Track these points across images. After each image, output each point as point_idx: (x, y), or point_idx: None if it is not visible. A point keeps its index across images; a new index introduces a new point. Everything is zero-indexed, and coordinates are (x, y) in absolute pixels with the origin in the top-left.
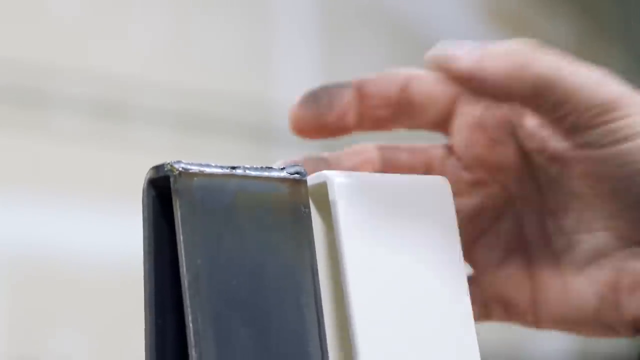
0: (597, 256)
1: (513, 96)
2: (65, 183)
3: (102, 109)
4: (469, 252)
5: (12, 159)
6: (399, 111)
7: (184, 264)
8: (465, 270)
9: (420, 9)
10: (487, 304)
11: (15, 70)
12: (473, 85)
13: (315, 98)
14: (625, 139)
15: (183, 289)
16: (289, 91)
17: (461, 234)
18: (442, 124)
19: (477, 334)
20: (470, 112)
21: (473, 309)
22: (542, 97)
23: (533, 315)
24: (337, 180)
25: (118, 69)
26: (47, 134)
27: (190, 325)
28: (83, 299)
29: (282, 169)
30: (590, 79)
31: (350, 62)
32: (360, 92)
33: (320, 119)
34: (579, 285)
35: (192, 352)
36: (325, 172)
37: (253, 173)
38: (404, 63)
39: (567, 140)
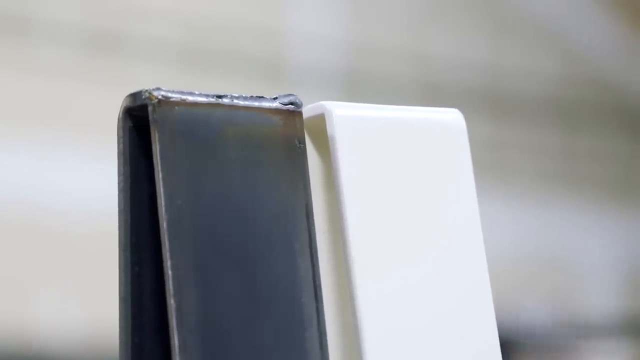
0: None
1: None
2: (49, 123)
3: (93, 40)
4: None
5: None
6: None
7: (163, 204)
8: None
9: None
10: None
11: None
12: None
13: None
14: None
15: (162, 231)
16: (305, 21)
17: None
18: None
19: (520, 290)
20: None
21: None
22: None
23: None
24: (337, 112)
25: None
26: (28, 67)
27: (170, 272)
28: (65, 250)
29: (275, 98)
30: None
31: None
32: None
33: None
34: None
35: (171, 302)
36: (323, 103)
37: (242, 103)
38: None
39: None
